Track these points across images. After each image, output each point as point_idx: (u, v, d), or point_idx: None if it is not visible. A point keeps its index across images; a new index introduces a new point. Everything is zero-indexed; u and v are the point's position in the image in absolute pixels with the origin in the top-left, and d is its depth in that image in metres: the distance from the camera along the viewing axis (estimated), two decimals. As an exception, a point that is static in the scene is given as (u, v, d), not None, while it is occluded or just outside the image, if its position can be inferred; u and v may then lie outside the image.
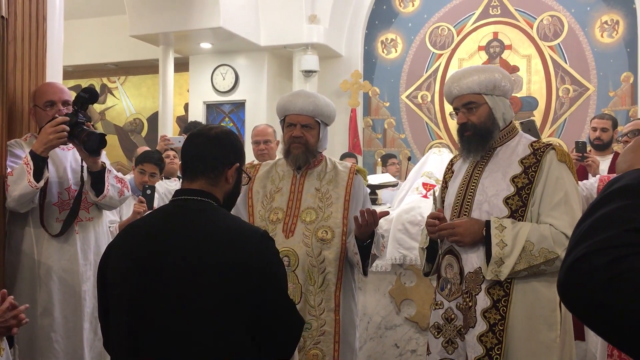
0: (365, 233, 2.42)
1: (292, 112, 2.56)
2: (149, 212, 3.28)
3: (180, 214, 1.68)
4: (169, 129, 7.77)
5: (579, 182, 2.76)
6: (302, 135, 2.53)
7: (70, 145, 2.85)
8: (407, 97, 8.37)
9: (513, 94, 8.20)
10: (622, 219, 0.87)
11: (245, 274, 1.56)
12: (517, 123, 2.58)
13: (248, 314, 1.56)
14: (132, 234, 1.71)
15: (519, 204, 2.22)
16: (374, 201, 4.38)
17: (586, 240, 0.87)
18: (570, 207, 2.18)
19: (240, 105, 8.43)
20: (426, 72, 8.29)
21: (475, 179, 2.33)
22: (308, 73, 7.99)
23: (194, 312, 1.54)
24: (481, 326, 2.19)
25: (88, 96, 2.75)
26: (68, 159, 2.93)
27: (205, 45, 8.11)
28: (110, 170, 2.91)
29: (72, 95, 2.89)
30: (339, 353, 2.47)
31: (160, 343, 1.55)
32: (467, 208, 2.31)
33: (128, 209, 3.68)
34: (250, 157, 4.46)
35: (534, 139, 2.37)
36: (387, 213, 2.56)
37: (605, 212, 0.90)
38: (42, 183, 2.67)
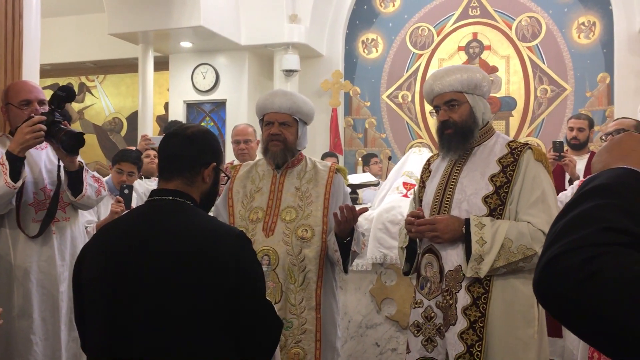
0: (345, 230, 2.42)
1: (270, 110, 2.56)
2: (126, 211, 3.25)
3: (155, 215, 1.65)
4: (148, 129, 7.69)
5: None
6: (280, 133, 2.53)
7: (44, 144, 2.81)
8: (387, 96, 8.40)
9: (492, 94, 8.28)
10: (596, 218, 0.88)
11: (221, 275, 1.54)
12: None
13: (225, 315, 1.55)
14: (107, 235, 1.69)
15: (497, 203, 2.24)
16: (355, 200, 4.39)
17: (561, 239, 0.88)
18: (548, 206, 2.22)
19: (220, 105, 8.39)
20: (407, 72, 8.33)
21: (454, 178, 2.35)
22: (289, 72, 7.98)
23: (170, 313, 1.53)
24: (462, 324, 2.21)
25: (65, 95, 2.72)
26: (42, 159, 2.89)
27: (186, 44, 8.05)
28: (87, 170, 2.88)
29: (46, 94, 2.86)
30: (320, 352, 2.47)
31: (136, 343, 1.53)
32: (446, 207, 2.33)
33: (106, 209, 3.64)
34: (230, 156, 4.45)
35: (510, 138, 2.40)
36: (366, 209, 2.57)
37: (580, 211, 0.90)
38: (20, 183, 2.63)
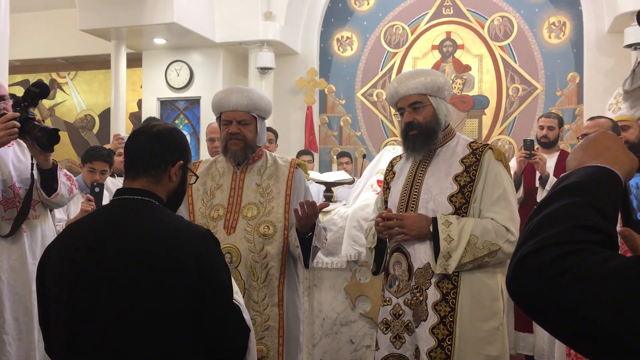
0: (306, 225, 2.42)
1: (226, 108, 2.53)
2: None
3: (119, 214, 1.62)
4: (121, 126, 7.60)
5: None
6: (239, 132, 2.51)
7: (11, 142, 2.76)
8: (362, 94, 8.43)
9: (465, 93, 8.34)
10: (569, 216, 0.89)
11: (185, 275, 1.51)
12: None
13: (190, 317, 1.52)
14: (70, 235, 1.66)
15: (462, 201, 2.32)
16: (330, 198, 4.40)
17: (534, 237, 0.88)
18: (509, 203, 2.31)
19: (195, 102, 8.32)
20: (381, 70, 8.36)
21: (419, 179, 2.41)
22: (264, 70, 7.95)
23: (133, 314, 1.49)
24: (432, 319, 2.28)
25: (39, 91, 2.67)
26: (9, 156, 2.84)
27: (159, 41, 7.96)
28: (60, 168, 2.85)
29: (16, 91, 2.80)
30: (283, 347, 2.47)
31: (99, 345, 1.50)
32: (412, 207, 2.39)
33: (76, 207, 3.60)
34: (205, 154, 4.42)
35: (471, 139, 2.48)
36: (327, 204, 2.59)
37: (553, 209, 0.91)
38: None
